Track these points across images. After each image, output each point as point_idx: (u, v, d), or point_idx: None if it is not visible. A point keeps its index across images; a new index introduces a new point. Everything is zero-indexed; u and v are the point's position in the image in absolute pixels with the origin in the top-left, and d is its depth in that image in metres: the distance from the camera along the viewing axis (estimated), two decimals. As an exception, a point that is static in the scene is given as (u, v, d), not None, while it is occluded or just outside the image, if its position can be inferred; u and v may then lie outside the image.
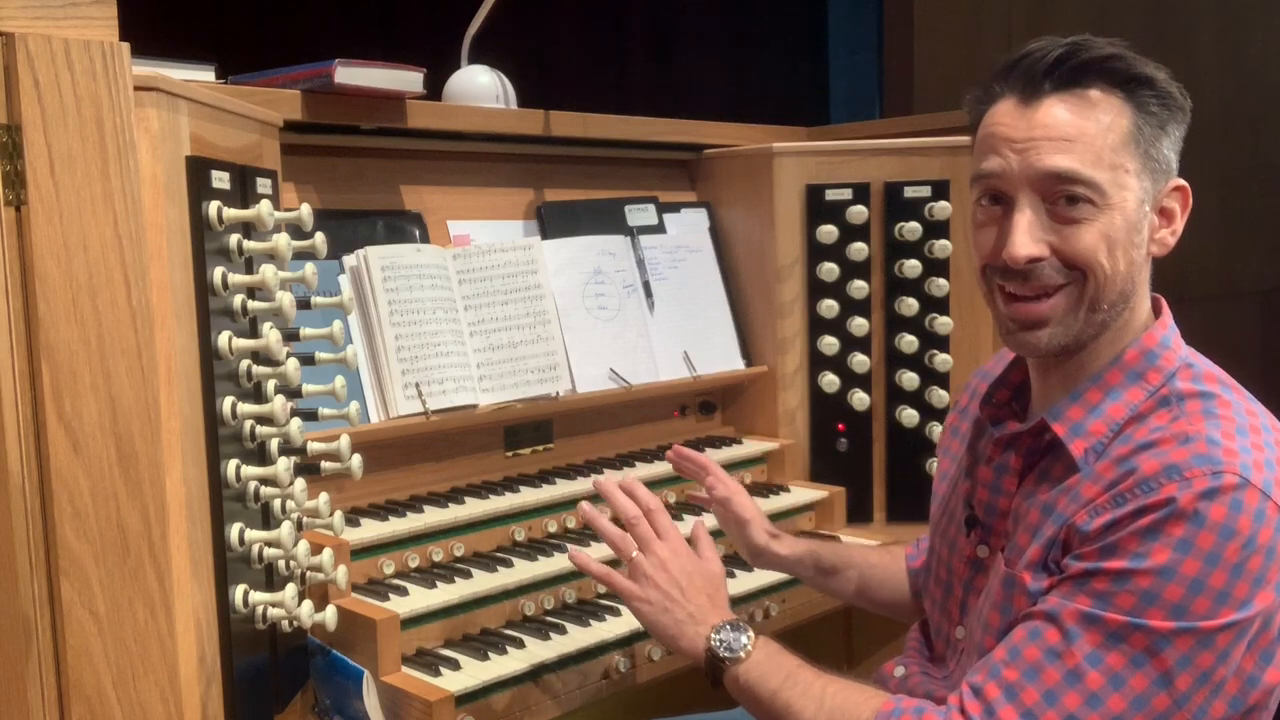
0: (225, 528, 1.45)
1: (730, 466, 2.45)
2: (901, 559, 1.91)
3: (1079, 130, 1.33)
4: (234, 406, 1.46)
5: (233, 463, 1.47)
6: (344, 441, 1.65)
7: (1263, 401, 1.39)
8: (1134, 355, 1.39)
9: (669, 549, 1.61)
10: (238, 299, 1.49)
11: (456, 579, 1.89)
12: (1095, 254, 1.33)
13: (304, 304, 1.59)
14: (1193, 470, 1.24)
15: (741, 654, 1.48)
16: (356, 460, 1.66)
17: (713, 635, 1.51)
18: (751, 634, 1.50)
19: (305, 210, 1.56)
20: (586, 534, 2.12)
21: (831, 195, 2.53)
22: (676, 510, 2.26)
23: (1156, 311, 1.45)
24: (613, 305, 2.38)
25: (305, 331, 1.61)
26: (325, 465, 1.66)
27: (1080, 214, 1.33)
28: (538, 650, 1.80)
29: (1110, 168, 1.32)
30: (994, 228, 1.39)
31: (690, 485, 2.37)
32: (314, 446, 1.63)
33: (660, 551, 1.60)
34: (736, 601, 2.08)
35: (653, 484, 2.29)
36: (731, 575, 2.14)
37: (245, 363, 1.50)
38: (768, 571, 2.17)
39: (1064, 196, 1.33)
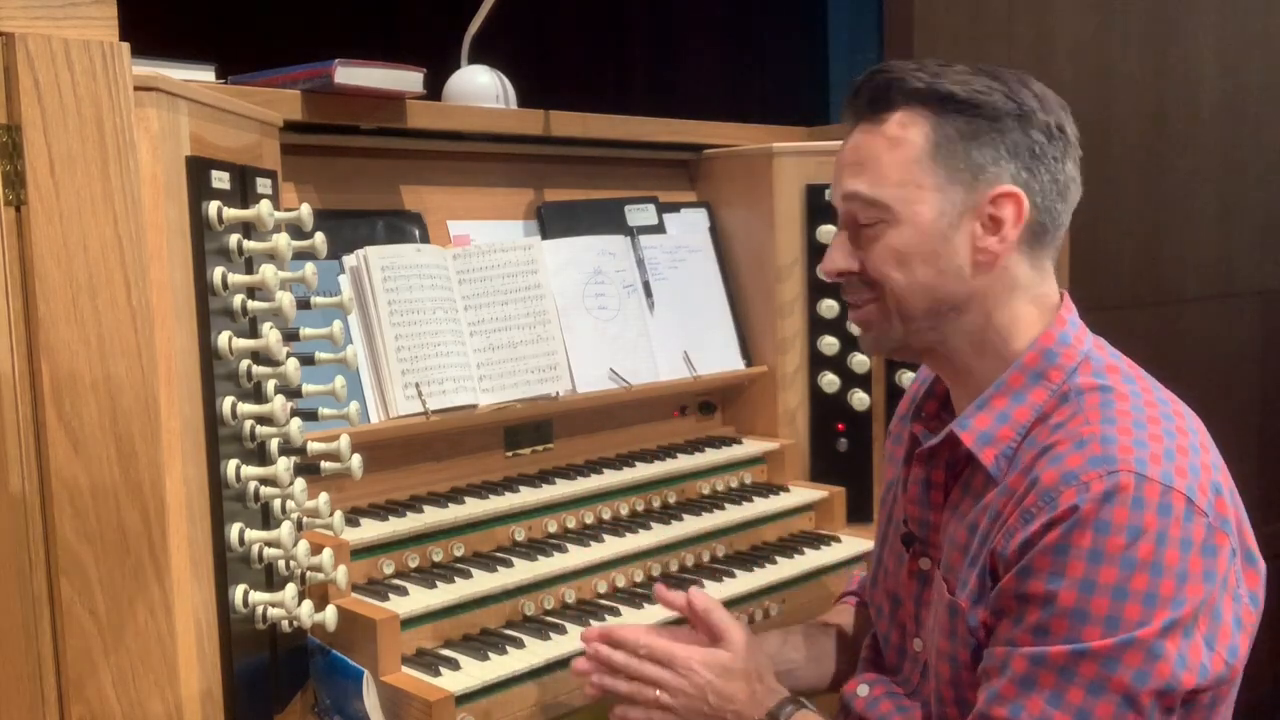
0: (225, 528, 1.45)
1: (730, 466, 2.46)
2: (850, 613, 1.86)
3: (868, 153, 1.40)
4: (234, 406, 1.46)
5: (233, 463, 1.47)
6: (344, 441, 1.65)
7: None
8: (1033, 357, 1.40)
9: (677, 671, 1.55)
10: (238, 299, 1.49)
11: (456, 579, 1.89)
12: (884, 267, 1.40)
13: (304, 304, 1.60)
14: (1088, 474, 1.24)
15: None
16: (356, 460, 1.66)
17: None
18: (794, 714, 1.49)
19: (305, 210, 1.56)
20: (586, 534, 2.12)
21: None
22: (676, 510, 2.27)
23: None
24: (613, 305, 2.38)
25: (305, 331, 1.61)
26: (325, 465, 1.66)
27: (874, 232, 1.40)
28: (538, 650, 1.80)
29: (898, 184, 1.38)
30: None
31: (688, 485, 2.37)
32: (314, 446, 1.63)
33: (673, 681, 1.55)
34: (737, 602, 2.08)
35: (652, 484, 2.30)
36: (731, 575, 2.15)
37: (245, 363, 1.50)
38: (766, 572, 2.18)
39: (858, 216, 1.41)
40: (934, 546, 1.49)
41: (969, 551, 1.38)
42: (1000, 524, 1.31)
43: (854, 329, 1.53)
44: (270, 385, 1.55)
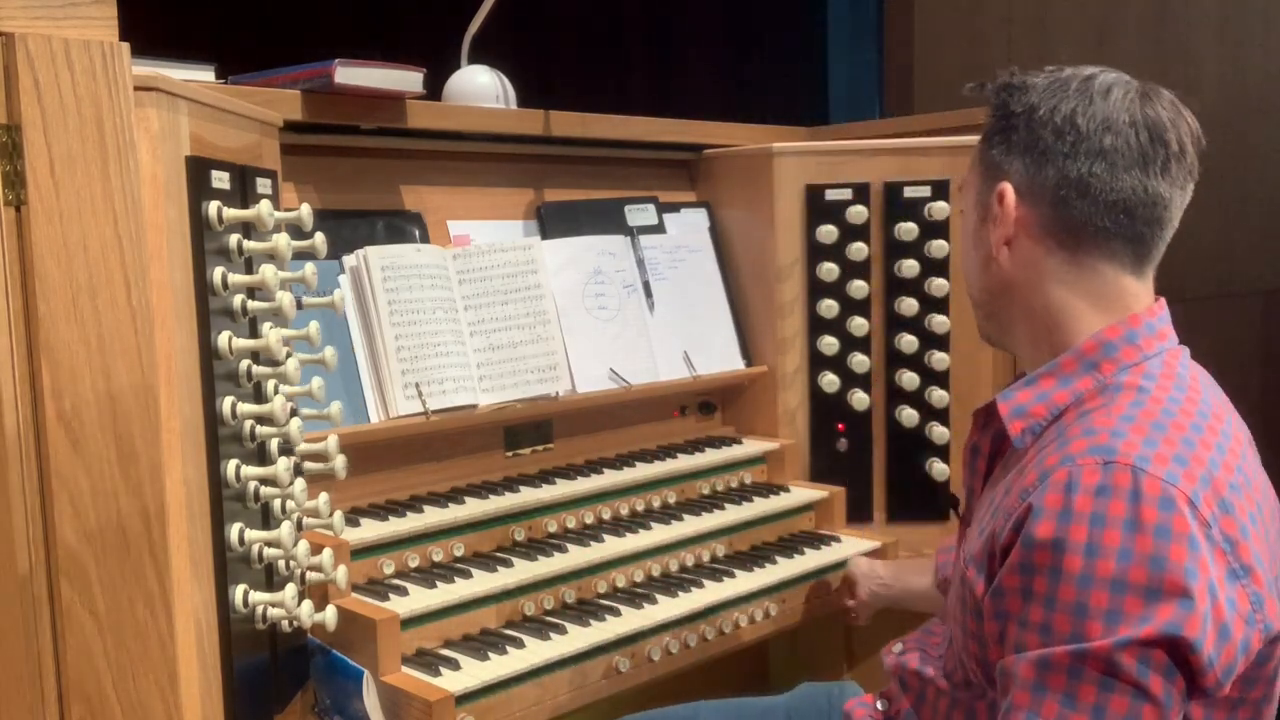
0: (225, 528, 1.45)
1: (730, 466, 2.46)
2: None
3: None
4: (234, 406, 1.46)
5: (233, 463, 1.47)
6: (331, 441, 1.64)
7: (1262, 401, 1.37)
8: (1090, 345, 1.39)
9: None
10: (238, 299, 1.49)
11: (456, 579, 1.89)
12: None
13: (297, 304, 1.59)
14: (1085, 459, 1.23)
15: None
16: (341, 461, 1.65)
17: None
18: None
19: (305, 210, 1.56)
20: (586, 534, 2.12)
21: (831, 195, 2.53)
22: (676, 510, 2.27)
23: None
24: (613, 305, 2.38)
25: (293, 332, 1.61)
26: (308, 465, 1.65)
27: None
28: (538, 650, 1.80)
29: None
30: None
31: (688, 485, 2.38)
32: (301, 447, 1.62)
33: None
34: (737, 602, 2.09)
35: (652, 484, 2.30)
36: (731, 575, 2.15)
37: (245, 363, 1.50)
38: (766, 572, 2.18)
39: None
40: (974, 515, 1.53)
41: (982, 521, 1.40)
42: (1005, 510, 1.30)
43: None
44: (270, 385, 1.55)
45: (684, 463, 2.38)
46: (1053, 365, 1.40)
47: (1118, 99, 1.38)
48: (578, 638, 1.86)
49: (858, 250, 2.51)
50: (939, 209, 2.50)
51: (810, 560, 2.26)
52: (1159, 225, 1.40)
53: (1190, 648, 1.15)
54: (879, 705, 1.66)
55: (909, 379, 2.52)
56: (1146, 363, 1.37)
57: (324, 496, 1.65)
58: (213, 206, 1.44)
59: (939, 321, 2.50)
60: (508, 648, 1.80)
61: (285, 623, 1.55)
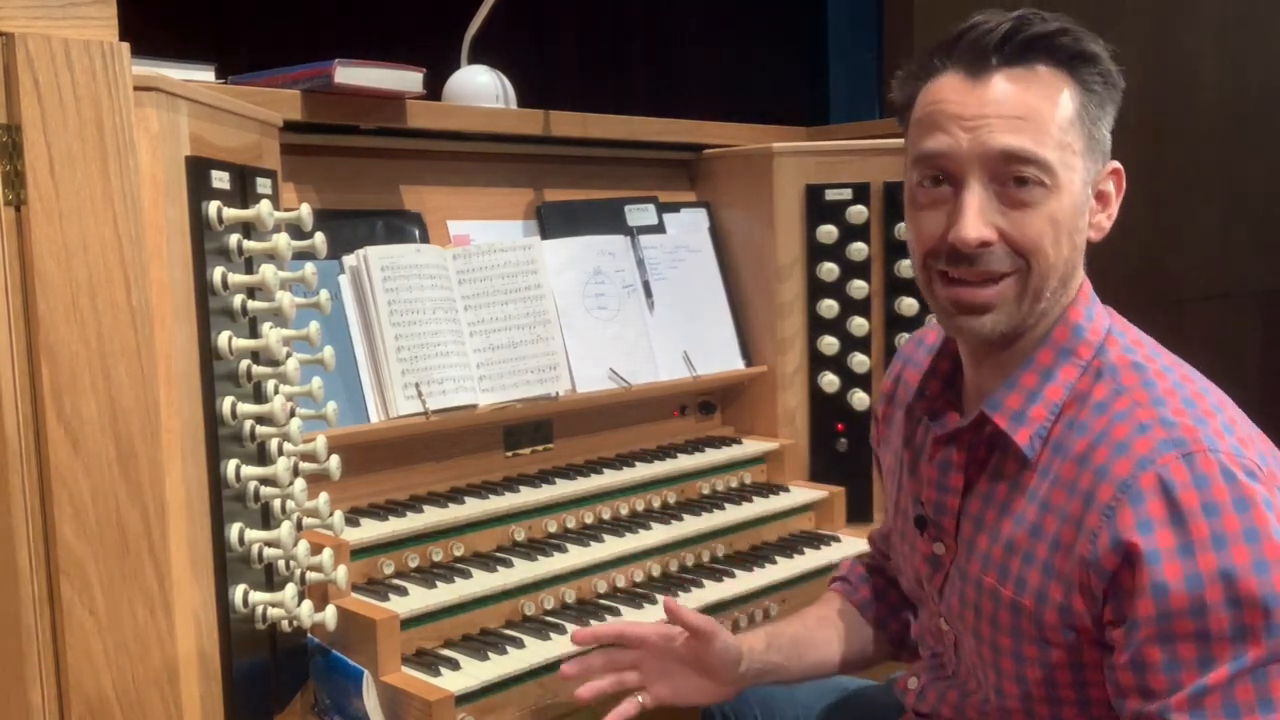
0: (225, 528, 1.45)
1: (730, 466, 2.46)
2: (838, 602, 1.76)
3: (1030, 108, 1.25)
4: (234, 406, 1.46)
5: (233, 463, 1.47)
6: (320, 441, 1.63)
7: (1262, 401, 1.37)
8: (1062, 332, 1.33)
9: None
10: (238, 299, 1.49)
11: (456, 579, 1.89)
12: (1042, 239, 1.27)
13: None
14: (1164, 457, 1.18)
15: None
16: (335, 461, 1.65)
17: None
18: None
19: (305, 210, 1.56)
20: (586, 534, 2.12)
21: (831, 195, 2.53)
22: (676, 510, 2.27)
23: None
24: (612, 305, 2.38)
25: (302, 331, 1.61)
26: (304, 465, 1.64)
27: (1030, 196, 1.26)
28: (538, 650, 1.81)
29: (1059, 147, 1.26)
30: (938, 210, 1.31)
31: (688, 485, 2.38)
32: (290, 447, 1.62)
33: None
34: (737, 602, 2.08)
35: (652, 484, 2.30)
36: (731, 575, 2.15)
37: (245, 363, 1.50)
38: (766, 572, 2.18)
39: (1014, 178, 1.26)
40: (948, 533, 1.42)
41: (1021, 549, 1.31)
42: (1068, 520, 1.25)
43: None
44: (270, 385, 1.55)
45: (684, 463, 2.38)
46: (1029, 362, 1.33)
47: None
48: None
49: (858, 250, 2.51)
50: (939, 209, 2.50)
51: (810, 560, 2.25)
52: None
53: None
54: (911, 684, 1.57)
55: (909, 379, 2.52)
56: (1113, 334, 1.33)
57: (324, 496, 1.65)
58: (213, 206, 1.44)
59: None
60: (508, 648, 1.80)
61: (285, 623, 1.55)
